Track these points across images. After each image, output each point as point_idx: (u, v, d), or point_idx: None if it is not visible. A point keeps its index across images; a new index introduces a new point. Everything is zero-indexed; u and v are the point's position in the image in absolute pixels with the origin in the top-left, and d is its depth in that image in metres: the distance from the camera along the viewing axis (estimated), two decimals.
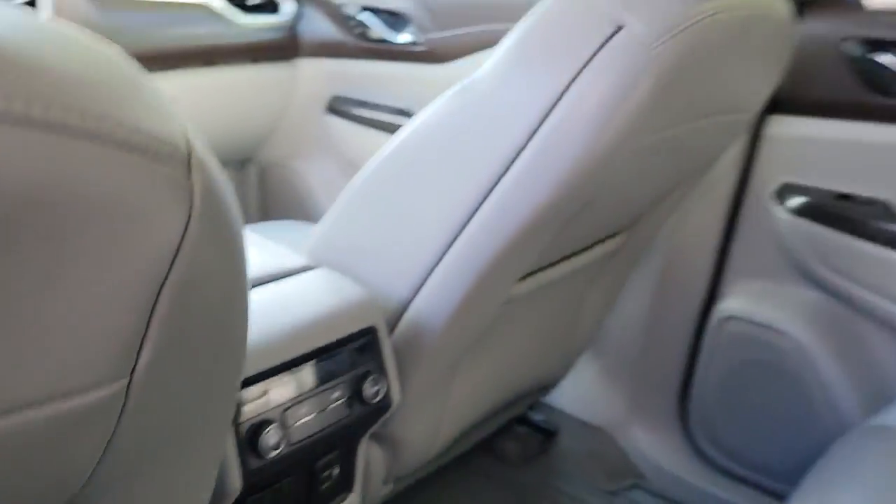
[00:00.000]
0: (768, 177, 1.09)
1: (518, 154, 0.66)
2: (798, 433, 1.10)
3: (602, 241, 1.00)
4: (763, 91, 0.91)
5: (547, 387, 1.22)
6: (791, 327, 1.09)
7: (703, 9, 0.65)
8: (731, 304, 1.16)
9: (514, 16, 1.31)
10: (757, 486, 1.17)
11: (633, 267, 1.15)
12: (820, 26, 1.00)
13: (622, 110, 0.63)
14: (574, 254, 0.94)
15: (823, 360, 1.06)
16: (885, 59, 0.97)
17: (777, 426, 1.13)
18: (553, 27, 0.66)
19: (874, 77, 0.99)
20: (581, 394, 1.37)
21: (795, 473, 1.11)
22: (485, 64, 0.71)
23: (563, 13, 0.66)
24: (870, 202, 1.02)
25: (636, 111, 0.64)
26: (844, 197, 1.04)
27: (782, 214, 1.08)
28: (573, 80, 0.63)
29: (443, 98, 0.72)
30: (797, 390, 1.09)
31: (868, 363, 1.04)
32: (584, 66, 0.63)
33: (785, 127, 1.06)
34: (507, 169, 0.67)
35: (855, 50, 0.99)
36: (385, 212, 0.74)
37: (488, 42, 1.36)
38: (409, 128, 0.74)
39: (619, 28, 0.62)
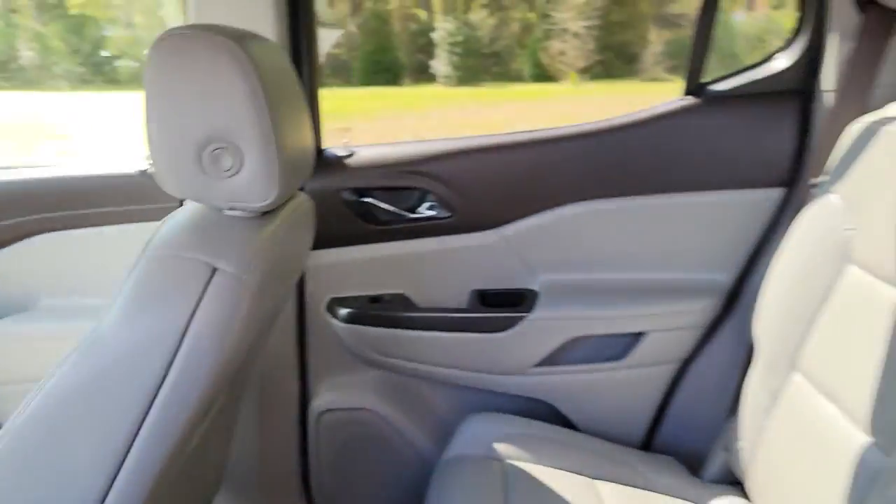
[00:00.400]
0: (318, 297, 1.38)
1: (161, 384, 0.77)
2: (401, 481, 1.43)
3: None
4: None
5: None
6: (370, 403, 1.41)
7: (264, 238, 0.87)
8: (322, 400, 1.43)
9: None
10: None
11: (241, 402, 1.31)
12: (324, 183, 1.33)
13: (237, 324, 0.80)
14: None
15: (399, 419, 1.41)
16: (369, 199, 1.35)
17: (383, 481, 1.44)
18: (165, 274, 0.79)
19: (366, 213, 1.36)
20: None
21: None
22: (108, 313, 0.79)
23: (169, 262, 0.79)
24: (393, 298, 1.40)
25: (247, 319, 0.82)
26: (376, 299, 1.40)
27: (336, 323, 1.39)
28: (193, 313, 0.77)
29: (73, 353, 0.77)
30: (389, 448, 1.42)
31: (429, 411, 1.43)
32: (200, 300, 0.78)
33: (322, 258, 1.36)
34: (153, 398, 0.77)
35: (349, 197, 1.34)
36: (33, 474, 0.76)
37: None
38: (42, 388, 0.77)
39: (215, 270, 0.80)
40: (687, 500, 1.18)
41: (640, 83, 12.09)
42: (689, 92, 1.32)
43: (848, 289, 1.00)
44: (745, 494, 1.16)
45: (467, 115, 10.06)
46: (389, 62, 13.69)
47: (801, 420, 1.03)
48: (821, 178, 1.12)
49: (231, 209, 0.87)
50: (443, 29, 13.34)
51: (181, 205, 1.33)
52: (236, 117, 0.79)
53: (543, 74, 12.90)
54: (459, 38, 13.19)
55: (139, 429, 0.77)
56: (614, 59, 13.13)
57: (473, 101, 11.14)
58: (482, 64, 13.68)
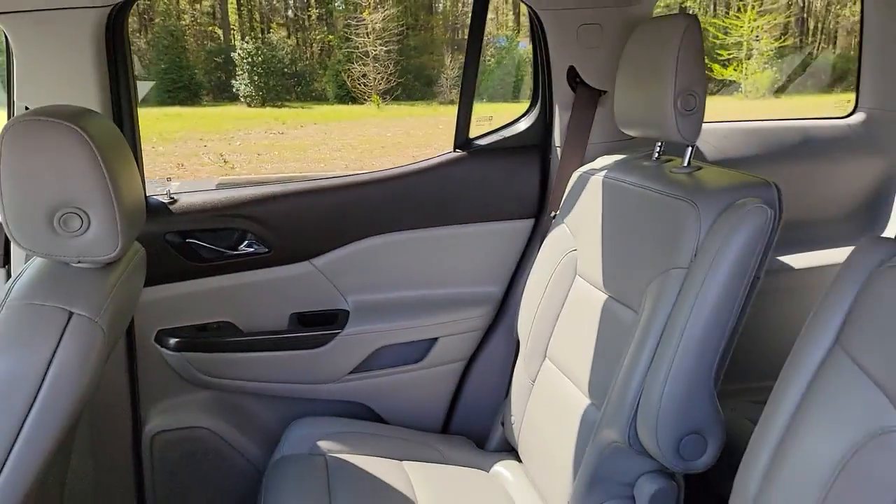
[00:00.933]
0: (147, 330, 1.52)
1: (24, 419, 0.90)
2: (237, 487, 1.59)
3: None
4: None
5: None
6: (201, 422, 1.57)
7: (111, 284, 1.02)
8: (154, 423, 1.56)
9: None
10: None
11: (76, 431, 1.41)
12: (148, 227, 1.46)
13: (94, 359, 0.96)
14: None
15: (230, 433, 1.58)
16: (192, 240, 1.52)
17: (218, 490, 1.60)
18: (25, 321, 0.92)
19: (191, 253, 1.52)
20: None
21: None
22: None
23: (28, 310, 0.93)
24: (220, 325, 1.57)
25: (101, 355, 0.98)
26: (203, 328, 1.56)
27: (166, 352, 1.53)
28: (54, 353, 0.92)
29: None
30: (222, 460, 1.58)
31: (257, 422, 1.61)
32: (59, 341, 0.92)
33: (149, 295, 1.49)
34: (18, 433, 0.90)
35: (174, 239, 1.50)
36: None
37: None
38: None
39: (72, 314, 0.95)
40: (474, 467, 1.49)
41: (439, 105, 12.85)
42: (457, 146, 1.66)
43: (576, 295, 1.37)
44: (518, 458, 1.49)
45: (273, 137, 10.06)
46: (187, 80, 13.23)
47: (551, 395, 1.39)
48: (558, 212, 1.49)
49: (80, 262, 1.02)
50: (242, 49, 13.18)
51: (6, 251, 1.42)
52: (81, 187, 0.96)
53: (347, 95, 13.22)
54: (259, 58, 13.11)
55: (6, 460, 0.90)
56: (413, 81, 13.80)
57: (278, 122, 11.13)
58: (284, 84, 13.71)
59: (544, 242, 1.49)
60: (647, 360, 1.10)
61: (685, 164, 1.23)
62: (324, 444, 1.43)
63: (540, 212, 1.66)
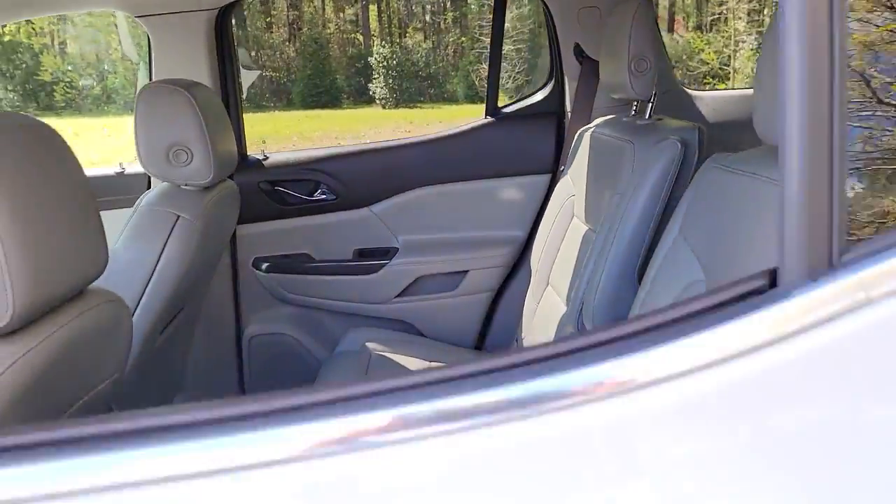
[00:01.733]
0: (247, 257, 2.00)
1: (147, 283, 1.37)
2: (307, 379, 2.04)
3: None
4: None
5: None
6: (285, 329, 2.03)
7: (207, 200, 1.48)
8: (252, 329, 2.04)
9: None
10: None
11: (194, 328, 1.90)
12: (248, 178, 1.94)
13: (192, 251, 1.41)
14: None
15: (305, 338, 2.03)
16: (280, 188, 1.98)
17: (295, 380, 2.04)
18: (149, 219, 1.39)
19: (278, 198, 1.98)
20: None
21: None
22: (116, 241, 1.38)
23: (152, 212, 1.40)
24: (300, 255, 2.02)
25: (197, 249, 1.43)
26: (287, 256, 2.02)
27: (260, 274, 2.00)
28: (165, 242, 1.38)
29: None
30: (299, 358, 2.03)
31: (325, 331, 2.05)
32: (169, 235, 1.39)
33: (248, 230, 1.97)
34: (144, 288, 1.37)
35: (266, 186, 1.97)
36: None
37: None
38: None
39: (178, 217, 1.41)
40: None
41: None
42: (487, 113, 2.01)
43: (572, 232, 1.68)
44: None
45: (400, 135, 10.77)
46: (328, 85, 14.31)
47: (548, 314, 1.70)
48: (564, 166, 1.80)
49: (186, 185, 1.49)
50: (378, 53, 14.07)
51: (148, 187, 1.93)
52: (189, 133, 1.42)
53: (476, 95, 13.70)
54: (394, 62, 13.92)
55: (136, 306, 1.37)
56: (541, 80, 14.02)
57: (407, 122, 11.84)
58: (418, 86, 14.44)
59: (553, 191, 1.81)
60: (592, 266, 1.40)
61: (647, 117, 1.51)
62: (370, 345, 1.83)
63: (555, 167, 1.97)
